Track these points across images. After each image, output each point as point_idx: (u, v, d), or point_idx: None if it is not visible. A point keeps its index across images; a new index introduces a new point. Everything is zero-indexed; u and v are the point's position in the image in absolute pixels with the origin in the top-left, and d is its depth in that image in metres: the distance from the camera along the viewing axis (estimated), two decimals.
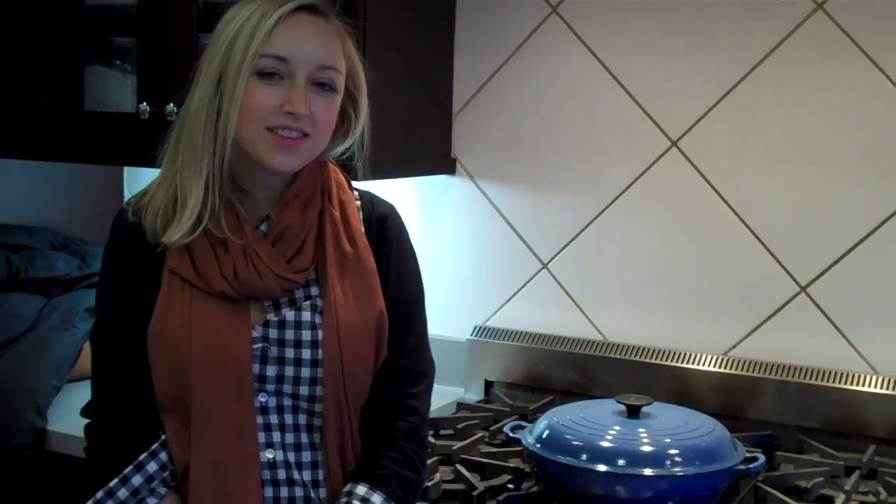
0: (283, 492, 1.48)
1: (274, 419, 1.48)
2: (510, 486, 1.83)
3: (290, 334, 1.48)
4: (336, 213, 1.54)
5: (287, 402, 1.49)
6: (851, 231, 2.08)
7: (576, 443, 1.72)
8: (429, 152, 2.37)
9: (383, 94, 2.15)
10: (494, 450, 1.98)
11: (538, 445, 1.76)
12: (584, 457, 1.70)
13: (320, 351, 1.48)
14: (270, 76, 1.44)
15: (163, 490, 1.47)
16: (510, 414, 2.18)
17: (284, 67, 1.44)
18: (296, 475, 1.49)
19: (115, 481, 1.46)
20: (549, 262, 2.35)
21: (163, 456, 1.47)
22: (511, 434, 1.89)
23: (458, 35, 2.39)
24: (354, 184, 1.63)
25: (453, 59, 2.39)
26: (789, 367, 2.10)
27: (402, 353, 1.56)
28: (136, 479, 1.46)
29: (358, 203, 1.59)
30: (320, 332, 1.49)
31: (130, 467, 1.46)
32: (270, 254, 1.48)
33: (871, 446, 1.98)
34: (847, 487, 1.79)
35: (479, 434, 2.05)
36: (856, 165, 2.07)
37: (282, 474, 1.48)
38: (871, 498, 1.78)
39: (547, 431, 1.78)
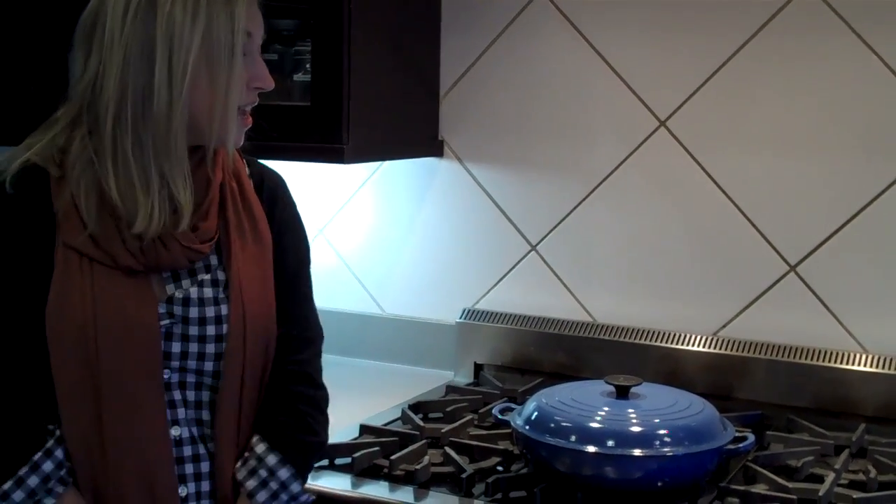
0: (189, 468, 1.46)
1: (177, 395, 1.45)
2: (499, 468, 1.82)
3: (194, 312, 1.44)
4: (234, 184, 1.51)
5: (190, 378, 1.46)
6: (841, 210, 2.07)
7: (565, 424, 1.72)
8: (416, 134, 2.36)
9: (370, 75, 2.15)
10: (483, 432, 1.98)
11: (527, 427, 1.76)
12: (573, 438, 1.69)
13: (225, 326, 1.46)
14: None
15: (60, 489, 1.39)
16: (499, 396, 2.17)
17: (251, 43, 1.42)
18: (200, 450, 1.47)
19: (9, 483, 1.37)
20: (537, 244, 2.34)
21: (59, 454, 1.39)
22: (500, 416, 1.88)
23: (444, 15, 2.37)
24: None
25: (440, 40, 2.38)
26: (779, 347, 2.10)
27: (290, 319, 1.54)
28: (33, 481, 1.37)
29: (247, 171, 1.56)
30: (223, 307, 1.46)
31: (26, 468, 1.37)
32: None
33: (861, 425, 1.98)
34: (837, 466, 1.79)
35: (468, 417, 2.04)
36: (844, 144, 2.06)
37: (187, 451, 1.46)
38: (860, 476, 1.78)
39: (536, 413, 1.77)
